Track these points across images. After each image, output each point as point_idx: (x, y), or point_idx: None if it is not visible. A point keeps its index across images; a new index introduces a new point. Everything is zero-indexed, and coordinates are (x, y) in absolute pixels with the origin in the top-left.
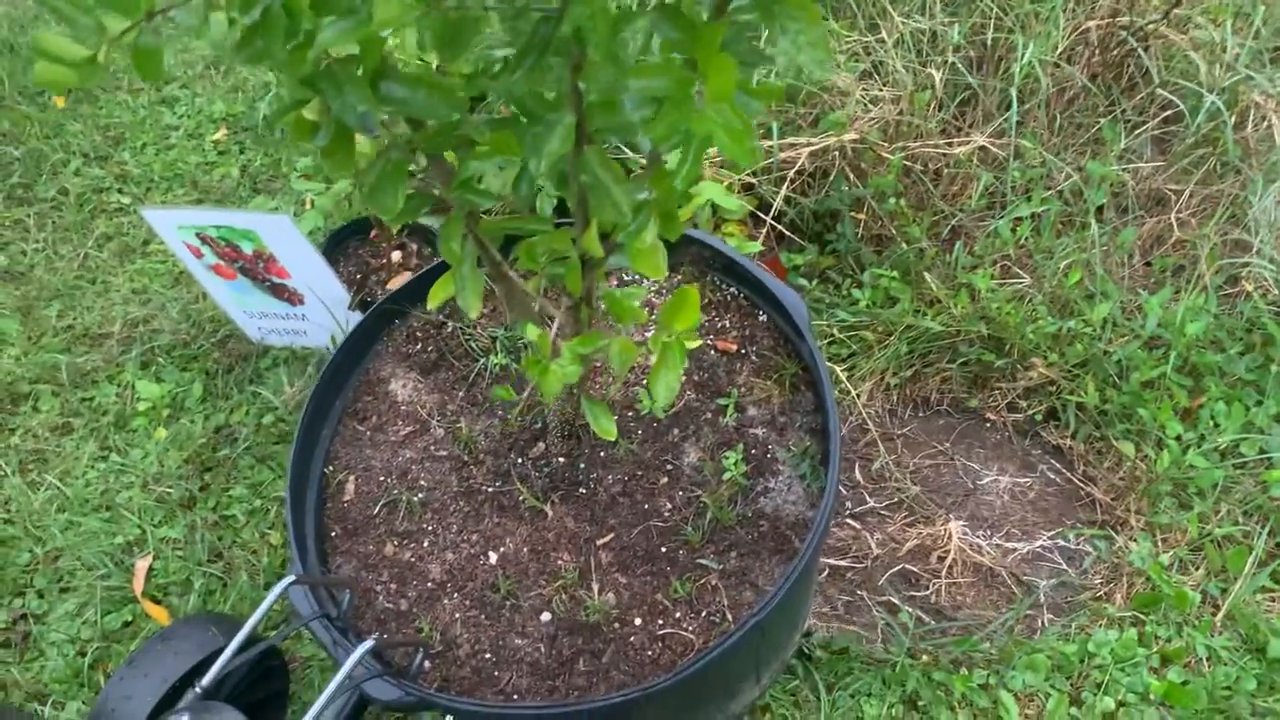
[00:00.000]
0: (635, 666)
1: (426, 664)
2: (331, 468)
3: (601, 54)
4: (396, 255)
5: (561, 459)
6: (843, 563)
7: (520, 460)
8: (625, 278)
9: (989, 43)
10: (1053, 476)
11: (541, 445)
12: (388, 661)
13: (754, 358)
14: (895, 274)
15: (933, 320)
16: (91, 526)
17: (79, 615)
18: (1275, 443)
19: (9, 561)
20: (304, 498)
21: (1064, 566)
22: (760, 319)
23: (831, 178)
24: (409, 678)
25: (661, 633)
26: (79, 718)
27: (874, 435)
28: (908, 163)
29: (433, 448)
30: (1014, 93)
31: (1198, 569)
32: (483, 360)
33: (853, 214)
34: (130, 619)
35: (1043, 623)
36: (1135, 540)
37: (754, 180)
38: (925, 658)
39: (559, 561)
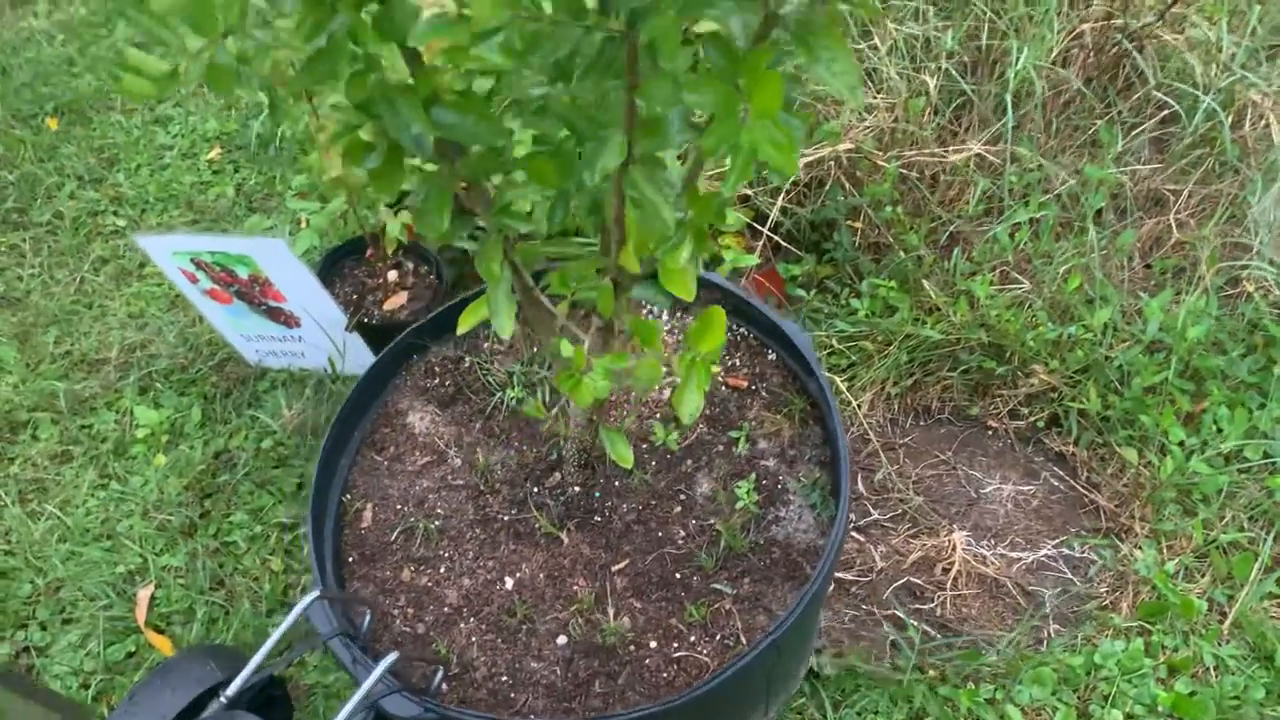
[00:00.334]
0: (651, 688)
1: (444, 686)
2: (349, 496)
3: (669, 63)
4: (393, 275)
5: (577, 488)
6: (848, 576)
7: (536, 489)
8: (644, 313)
9: (983, 48)
10: (1056, 484)
11: (557, 475)
12: (406, 680)
13: (764, 394)
14: (893, 283)
15: (932, 329)
16: (93, 556)
17: (82, 647)
18: (1279, 447)
19: (10, 594)
20: (323, 525)
21: (1069, 576)
22: (769, 357)
23: (827, 187)
24: (428, 696)
25: (677, 655)
26: None
27: (876, 446)
28: (904, 170)
29: (450, 477)
30: (1009, 98)
31: (1204, 576)
32: (499, 394)
33: (849, 223)
34: (134, 649)
35: (1049, 634)
36: (1140, 548)
37: (750, 192)
38: (932, 673)
39: (575, 587)
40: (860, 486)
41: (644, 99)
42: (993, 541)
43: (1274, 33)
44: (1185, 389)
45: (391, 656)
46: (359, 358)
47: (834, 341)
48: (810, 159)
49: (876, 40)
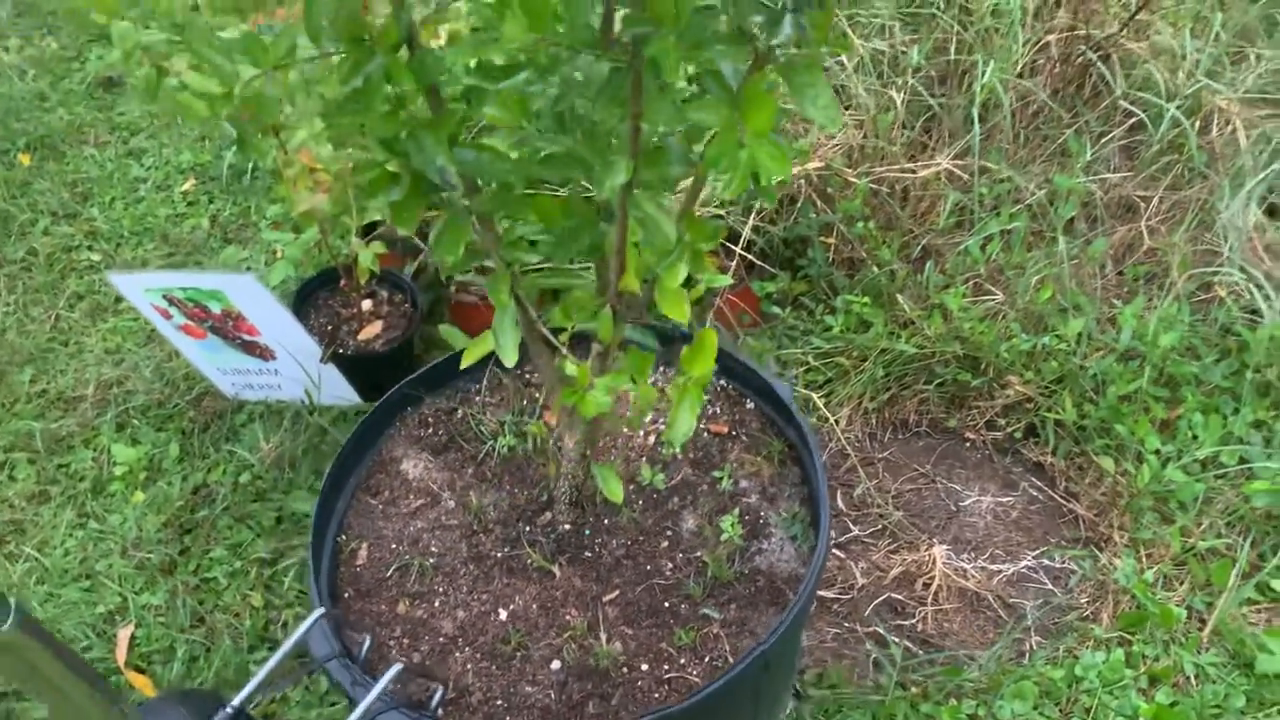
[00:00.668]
0: (643, 708)
1: (440, 711)
2: (345, 536)
3: (671, 76)
4: (367, 304)
5: (568, 526)
6: (829, 594)
7: (528, 528)
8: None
9: (950, 62)
10: (1035, 494)
11: (549, 515)
12: (405, 698)
13: (744, 438)
14: (866, 299)
15: (907, 343)
16: (71, 597)
17: None
18: (1255, 451)
19: None
20: (320, 562)
21: (1050, 587)
22: (748, 406)
23: (799, 205)
24: (426, 713)
25: (668, 676)
26: None
27: (854, 461)
28: (874, 186)
29: (443, 518)
30: (975, 112)
31: (1182, 584)
32: (491, 443)
33: (822, 239)
34: (115, 691)
35: (1031, 646)
36: (1119, 557)
37: (721, 212)
38: (914, 690)
39: (567, 616)
40: (840, 503)
41: (648, 121)
42: (973, 554)
43: (1239, 37)
44: (1160, 396)
45: (396, 668)
46: (335, 389)
47: (810, 358)
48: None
49: (844, 57)
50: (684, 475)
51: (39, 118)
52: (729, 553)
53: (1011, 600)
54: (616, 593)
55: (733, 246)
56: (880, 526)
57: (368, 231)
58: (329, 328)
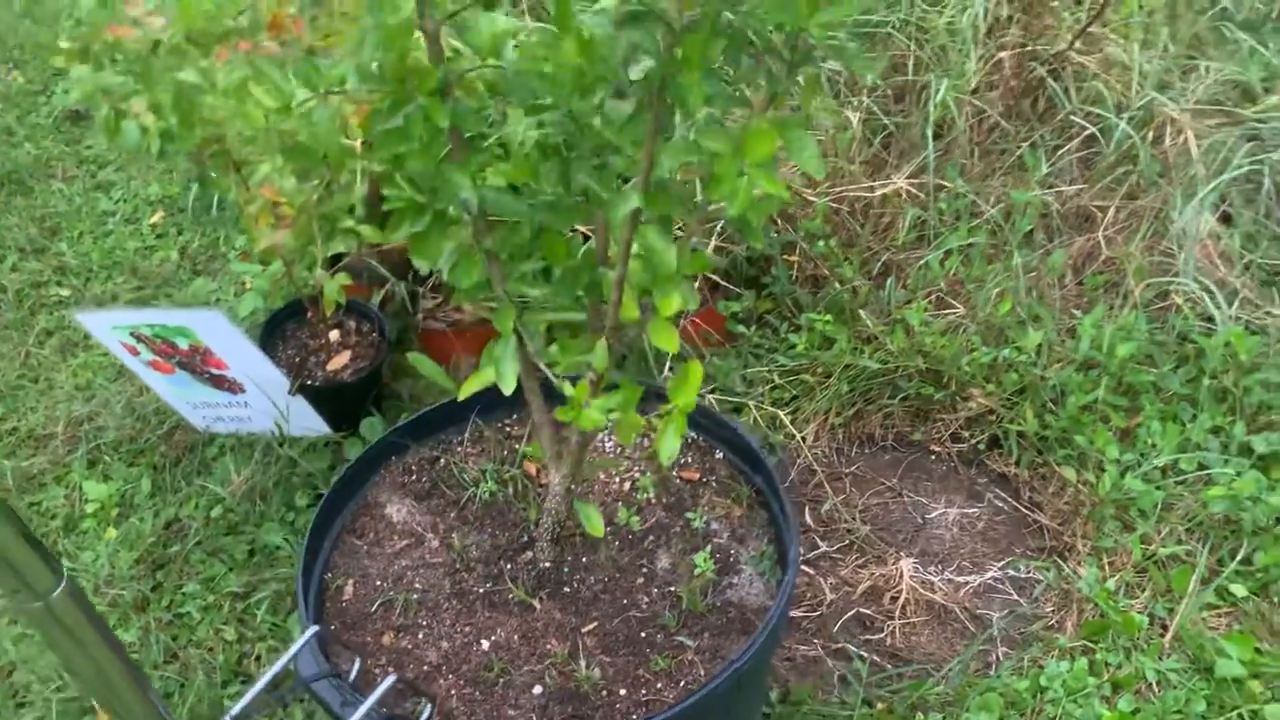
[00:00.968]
0: None
1: None
2: (331, 574)
3: (697, 105)
4: (335, 335)
5: (548, 564)
6: (798, 613)
7: (510, 566)
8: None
9: (905, 80)
10: (1000, 505)
11: (529, 554)
12: (393, 714)
13: (714, 484)
14: (829, 316)
15: (870, 358)
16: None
17: None
18: (1212, 457)
19: None
20: (308, 598)
21: (1015, 597)
22: (717, 455)
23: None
24: None
25: (645, 699)
26: None
27: (821, 477)
28: (834, 204)
29: (427, 557)
30: (929, 131)
31: (1144, 591)
32: (472, 489)
33: (785, 257)
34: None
35: (997, 657)
36: (1083, 566)
37: (681, 234)
38: (880, 705)
39: (548, 646)
40: (808, 519)
41: (663, 156)
42: (940, 567)
43: (1189, 47)
44: (1119, 405)
45: (390, 679)
46: (305, 420)
47: (775, 376)
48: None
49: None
50: (658, 518)
51: (5, 153)
52: (702, 586)
53: (978, 611)
54: (595, 624)
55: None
56: (848, 541)
57: (334, 263)
58: (297, 359)
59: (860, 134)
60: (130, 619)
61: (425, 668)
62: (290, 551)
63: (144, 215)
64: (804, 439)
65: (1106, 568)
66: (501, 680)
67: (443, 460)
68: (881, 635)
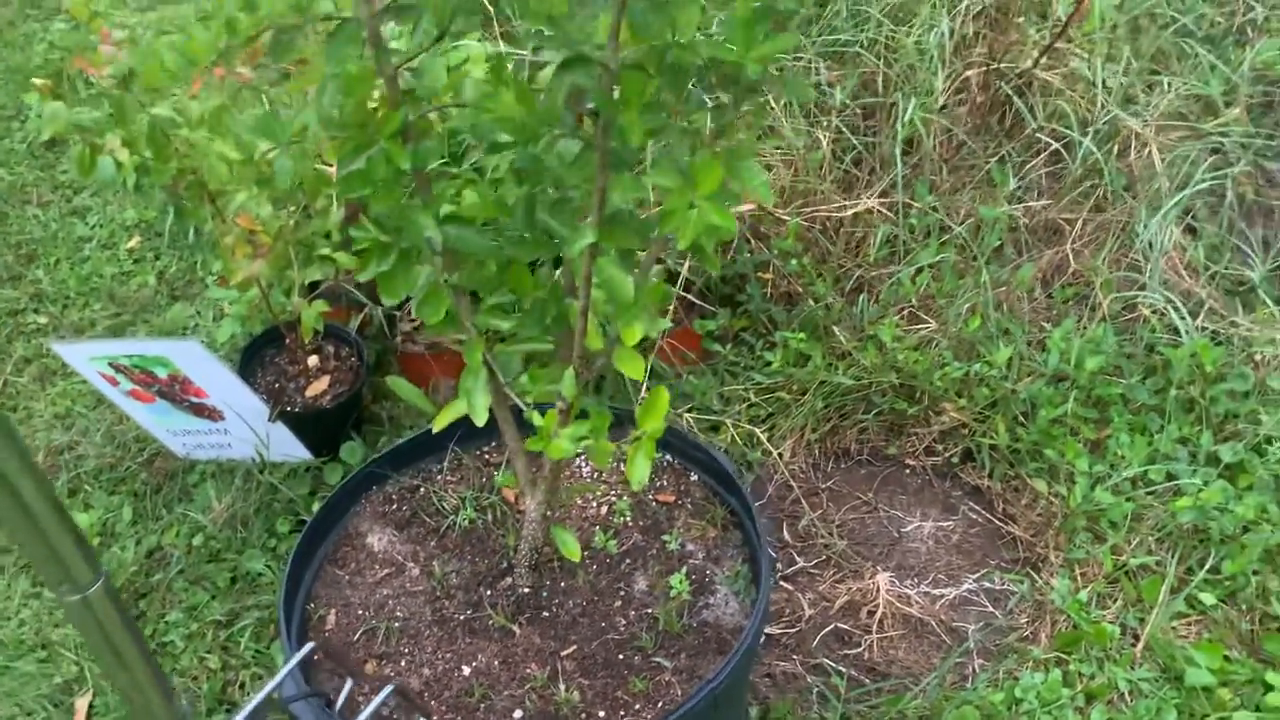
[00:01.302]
0: None
1: None
2: (313, 605)
3: (635, 142)
4: (313, 360)
5: (527, 589)
6: (776, 629)
7: (489, 592)
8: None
9: (874, 99)
10: (974, 517)
11: (509, 580)
12: None
13: (689, 506)
14: (803, 334)
15: (844, 375)
16: (27, 669)
17: None
18: (1181, 468)
19: None
20: (290, 629)
21: (991, 609)
22: (692, 478)
23: (734, 243)
24: None
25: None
26: None
27: (798, 493)
28: (806, 223)
29: (408, 585)
30: (898, 150)
31: (1116, 601)
32: (452, 517)
33: (759, 275)
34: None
35: (973, 669)
36: (1055, 577)
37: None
38: None
39: (528, 670)
40: (785, 534)
41: (614, 191)
42: (916, 580)
43: (1152, 61)
44: (1089, 417)
45: (389, 688)
46: (285, 446)
47: (751, 394)
48: None
49: (771, 99)
50: (634, 540)
51: None
52: (678, 608)
53: (954, 624)
54: (574, 647)
55: (671, 287)
56: (825, 557)
57: (312, 289)
58: (276, 385)
59: (830, 153)
60: None
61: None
62: (272, 578)
63: (121, 240)
64: (781, 455)
65: (1079, 579)
66: (483, 705)
67: (422, 489)
68: (859, 650)
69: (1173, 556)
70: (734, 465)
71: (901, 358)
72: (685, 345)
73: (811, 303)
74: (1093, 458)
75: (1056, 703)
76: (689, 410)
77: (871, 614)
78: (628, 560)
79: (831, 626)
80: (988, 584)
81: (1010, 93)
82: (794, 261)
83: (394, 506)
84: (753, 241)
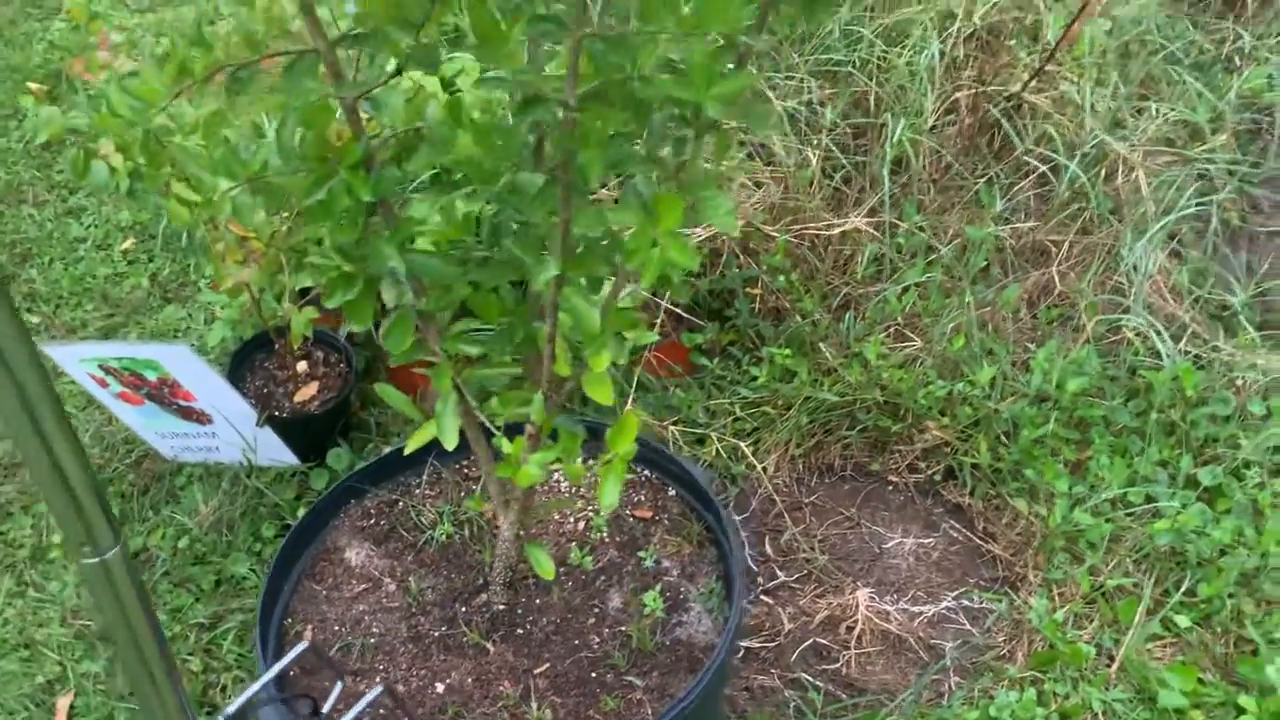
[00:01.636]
0: None
1: None
2: (290, 620)
3: (594, 181)
4: (303, 366)
5: (502, 606)
6: (755, 643)
7: (464, 609)
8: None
9: (865, 119)
10: (955, 535)
11: (484, 596)
12: None
13: (666, 522)
14: (789, 350)
15: (829, 391)
16: (9, 668)
17: None
18: (1160, 490)
19: None
20: (267, 645)
21: (969, 627)
22: (670, 493)
23: (724, 258)
24: None
25: None
26: None
27: (781, 507)
28: (795, 239)
29: (384, 601)
30: (885, 171)
31: (1092, 622)
32: (429, 532)
33: (748, 290)
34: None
35: (950, 687)
36: (1034, 596)
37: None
38: None
39: (500, 688)
40: (767, 549)
41: (576, 225)
42: (895, 597)
43: (1141, 86)
44: (1070, 438)
45: (378, 689)
46: (272, 451)
47: (737, 408)
48: (704, 235)
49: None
50: (610, 557)
51: None
52: (651, 625)
53: (932, 641)
54: (547, 665)
55: (659, 300)
56: (807, 572)
57: (303, 294)
58: (265, 390)
59: (820, 171)
60: (97, 649)
61: (382, 712)
62: (256, 582)
63: (115, 241)
64: (765, 470)
65: (1056, 599)
66: None
67: (401, 503)
68: (837, 665)
69: (1149, 578)
70: (711, 481)
71: (886, 375)
72: (672, 358)
73: (799, 319)
74: (1073, 479)
75: None
76: (675, 423)
77: (850, 629)
78: (603, 577)
79: (810, 641)
80: (966, 602)
81: (999, 116)
82: (782, 278)
83: (372, 521)
84: (742, 257)
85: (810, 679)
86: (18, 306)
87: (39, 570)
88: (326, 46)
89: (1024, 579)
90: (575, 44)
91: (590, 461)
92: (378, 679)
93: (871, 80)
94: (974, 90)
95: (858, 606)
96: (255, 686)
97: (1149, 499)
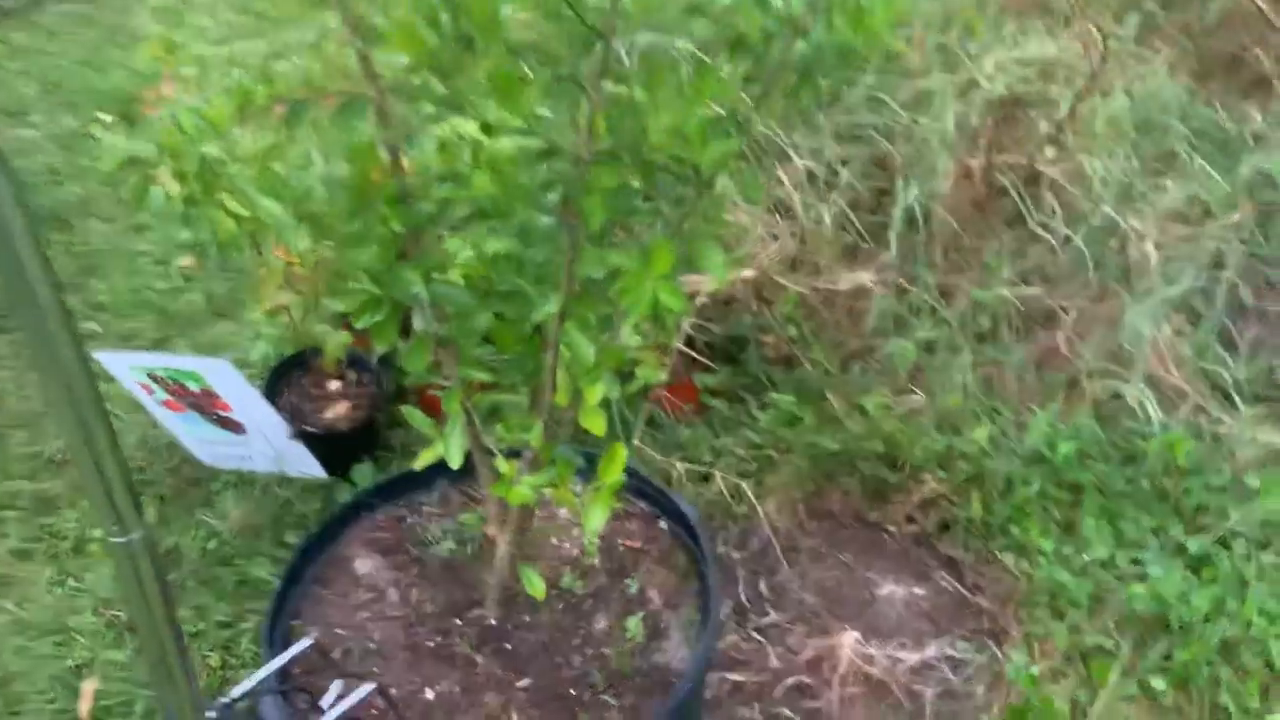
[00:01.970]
0: None
1: None
2: (299, 621)
3: (593, 227)
4: (336, 385)
5: (494, 621)
6: (742, 676)
7: (459, 622)
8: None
9: (879, 179)
10: (945, 586)
11: (478, 611)
12: None
13: (655, 552)
14: (793, 397)
15: (831, 439)
16: (43, 651)
17: None
18: (1148, 555)
19: None
20: (274, 644)
21: (950, 676)
22: (661, 525)
23: (737, 306)
24: None
25: None
26: None
27: (778, 549)
28: (808, 291)
29: (386, 610)
30: (894, 233)
31: (1068, 678)
32: (433, 547)
33: (760, 337)
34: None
35: None
36: (1015, 649)
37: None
38: None
39: (485, 698)
40: (762, 587)
41: (579, 265)
42: (882, 642)
43: (1156, 161)
44: (1061, 499)
45: (370, 685)
46: (302, 463)
47: (741, 450)
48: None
49: (783, 174)
50: (599, 582)
51: (50, 191)
52: (631, 650)
53: (914, 687)
54: (530, 680)
55: (672, 342)
56: (798, 612)
57: (342, 318)
58: (299, 405)
59: (835, 228)
60: (125, 639)
61: (374, 712)
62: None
63: (174, 259)
64: (765, 511)
65: (1036, 654)
66: None
67: (409, 519)
68: (819, 704)
69: (1128, 640)
70: (701, 517)
71: (888, 427)
72: (683, 398)
73: (808, 367)
74: (1062, 538)
75: None
76: (680, 459)
77: (834, 670)
78: (591, 601)
79: (795, 679)
80: (950, 651)
81: (1011, 184)
82: (793, 328)
83: (380, 534)
84: (755, 305)
85: (791, 714)
86: (80, 314)
87: (78, 561)
88: (377, 92)
89: (1007, 633)
90: (592, 106)
91: (583, 489)
92: (372, 681)
93: (890, 144)
94: (989, 158)
95: (843, 649)
96: (259, 675)
97: (1135, 562)
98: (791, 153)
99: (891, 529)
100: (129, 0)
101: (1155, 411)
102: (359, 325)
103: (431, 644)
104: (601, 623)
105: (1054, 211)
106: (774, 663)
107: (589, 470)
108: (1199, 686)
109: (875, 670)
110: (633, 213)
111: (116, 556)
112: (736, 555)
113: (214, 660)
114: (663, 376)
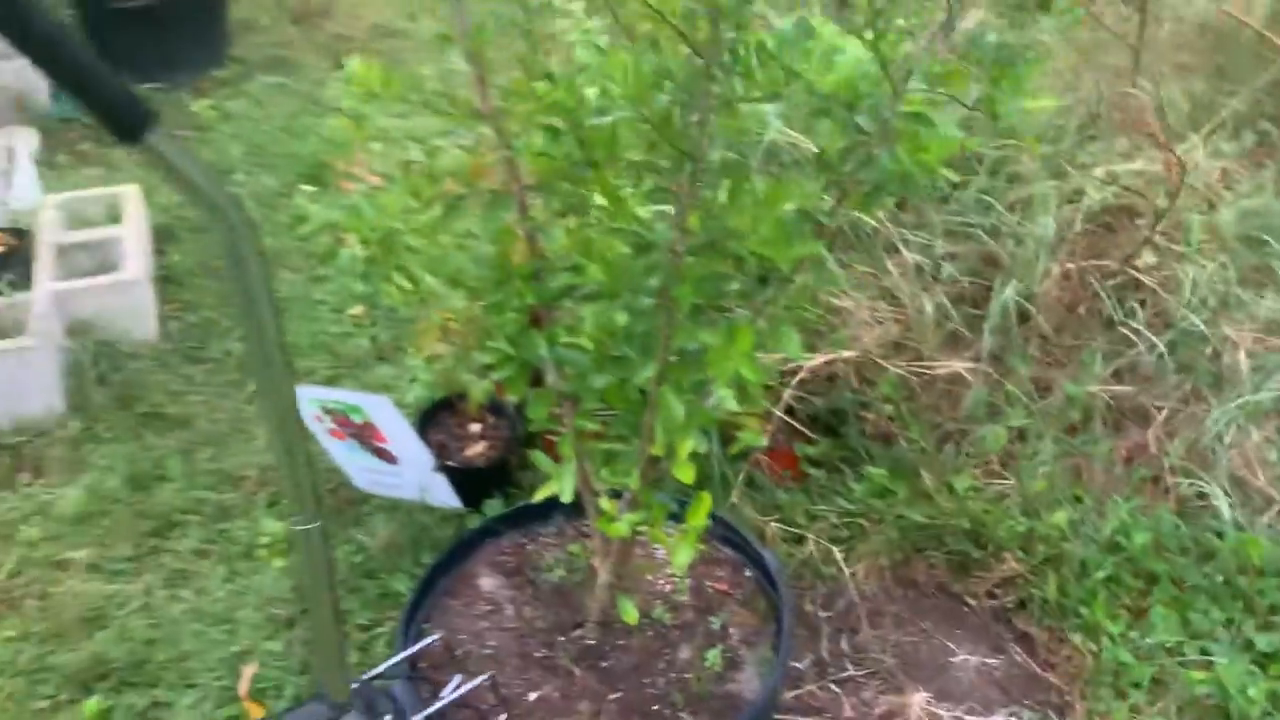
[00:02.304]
0: None
1: None
2: (429, 624)
3: (681, 310)
4: (477, 427)
5: (593, 641)
6: None
7: (564, 638)
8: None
9: (982, 279)
10: (1017, 659)
11: (580, 631)
12: None
13: (739, 596)
14: (885, 471)
15: (921, 514)
16: (214, 636)
17: (196, 708)
18: (1218, 647)
19: (151, 658)
20: (406, 641)
21: None
22: (746, 573)
23: (840, 383)
24: None
25: None
26: None
27: (862, 611)
28: (908, 374)
29: (503, 622)
30: (987, 327)
31: None
32: (548, 572)
33: (861, 412)
34: (235, 714)
35: None
36: None
37: (770, 382)
38: None
39: (579, 706)
40: (844, 645)
41: (674, 339)
42: (951, 705)
43: (1254, 271)
44: (1133, 586)
45: (482, 677)
46: (443, 494)
47: (834, 517)
48: (817, 363)
49: (891, 265)
50: (687, 617)
51: None
52: (709, 677)
53: None
54: (619, 694)
55: (775, 411)
56: (875, 670)
57: (489, 369)
58: (444, 443)
59: (936, 316)
60: (280, 632)
61: (484, 706)
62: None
63: (347, 307)
64: (853, 575)
65: None
66: None
67: (529, 546)
68: None
69: None
70: (779, 565)
71: (975, 506)
72: (783, 465)
73: (904, 444)
74: (1131, 622)
75: None
76: (776, 520)
77: None
78: (677, 632)
79: None
80: (1014, 719)
81: (1106, 290)
82: (890, 407)
83: (504, 557)
84: (857, 383)
85: None
86: None
87: (248, 564)
88: (519, 189)
89: (1071, 707)
90: (683, 209)
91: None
92: (487, 679)
93: (993, 242)
94: (1086, 261)
95: (913, 707)
96: (394, 659)
97: (1203, 652)
98: (901, 246)
99: (971, 602)
100: (324, 74)
101: (1228, 511)
102: (496, 378)
103: (538, 654)
104: (685, 652)
105: (1153, 313)
106: (848, 712)
107: (682, 515)
108: None
109: None
110: (721, 296)
111: (300, 540)
112: (822, 614)
113: (353, 659)
114: (763, 441)
